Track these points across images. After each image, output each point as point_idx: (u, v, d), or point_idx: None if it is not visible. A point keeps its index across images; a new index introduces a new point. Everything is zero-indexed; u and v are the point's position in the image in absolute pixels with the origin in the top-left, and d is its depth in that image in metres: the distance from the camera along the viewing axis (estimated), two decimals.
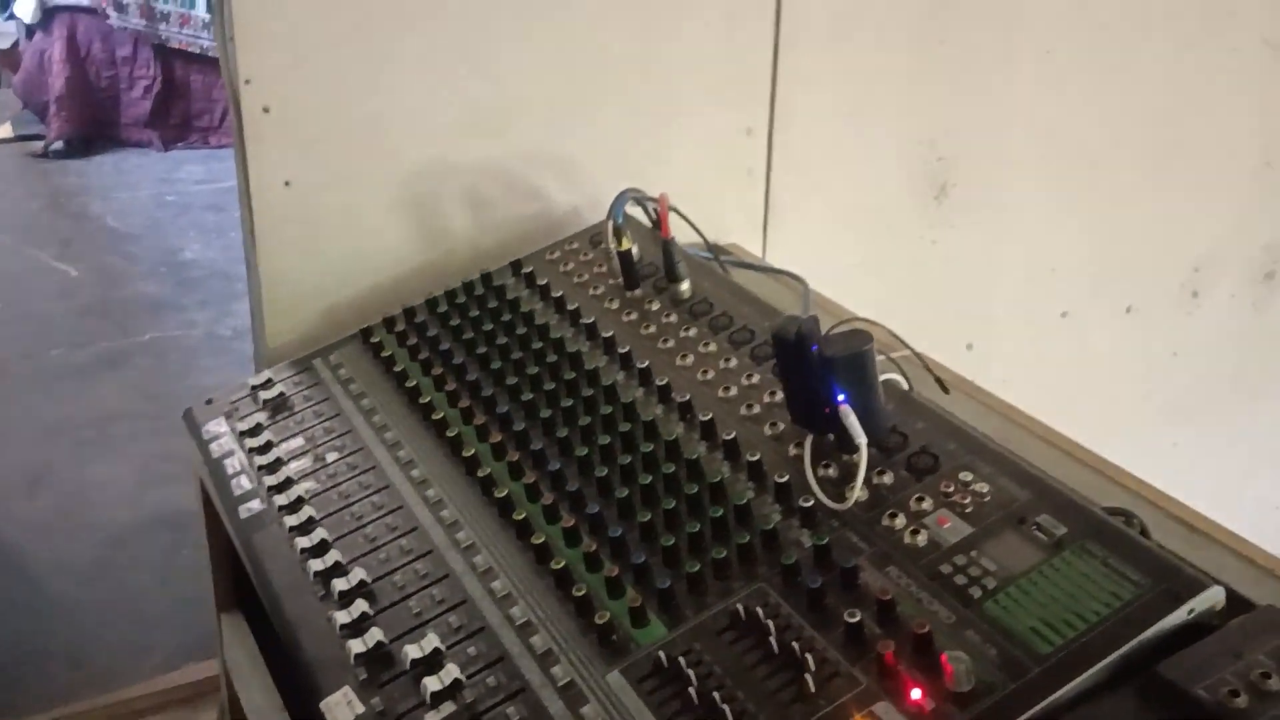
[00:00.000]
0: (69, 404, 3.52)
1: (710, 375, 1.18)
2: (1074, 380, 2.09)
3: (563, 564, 0.99)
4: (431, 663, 0.93)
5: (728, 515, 0.98)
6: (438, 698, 0.90)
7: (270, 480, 1.21)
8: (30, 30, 5.70)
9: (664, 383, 1.16)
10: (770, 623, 0.86)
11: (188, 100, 5.70)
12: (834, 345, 0.99)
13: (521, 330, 1.32)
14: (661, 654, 0.87)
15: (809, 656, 0.82)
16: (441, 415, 1.23)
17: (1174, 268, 2.17)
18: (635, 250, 1.35)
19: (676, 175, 1.48)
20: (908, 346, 1.15)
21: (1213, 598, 0.80)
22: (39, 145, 5.67)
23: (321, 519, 1.14)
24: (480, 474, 1.13)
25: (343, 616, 1.00)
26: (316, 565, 1.07)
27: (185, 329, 4.02)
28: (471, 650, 0.95)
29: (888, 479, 0.98)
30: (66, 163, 5.57)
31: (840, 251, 1.81)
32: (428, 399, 1.26)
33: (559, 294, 1.36)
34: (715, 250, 1.48)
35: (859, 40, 1.73)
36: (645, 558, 0.96)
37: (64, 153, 5.61)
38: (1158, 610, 0.79)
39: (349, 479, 1.20)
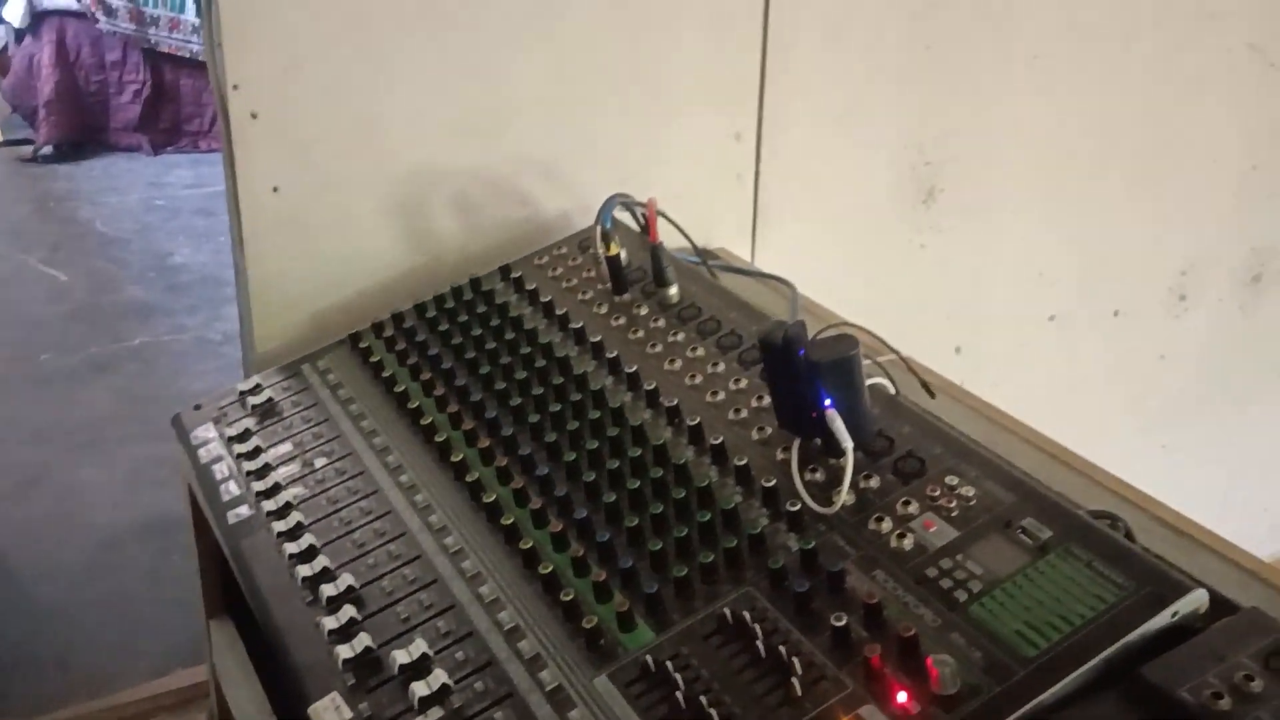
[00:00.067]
0: (59, 408, 3.51)
1: (698, 380, 1.18)
2: (1062, 383, 2.10)
3: (550, 568, 0.99)
4: (419, 668, 0.94)
5: (715, 519, 0.98)
6: (425, 703, 0.91)
7: (258, 486, 1.21)
8: (19, 34, 5.68)
9: (652, 387, 1.16)
10: (757, 627, 0.87)
11: (177, 104, 5.68)
12: (820, 350, 0.99)
13: (510, 335, 1.32)
14: (649, 658, 0.87)
15: (796, 660, 0.83)
16: (430, 420, 1.23)
17: (1161, 271, 2.18)
18: (624, 255, 1.36)
19: (665, 180, 1.49)
20: (893, 351, 1.16)
21: (1196, 600, 0.81)
22: (28, 150, 5.65)
23: (310, 524, 1.14)
24: (468, 479, 1.13)
25: (331, 622, 1.00)
26: (305, 571, 1.07)
27: (175, 333, 4.01)
28: (459, 655, 0.95)
29: (874, 483, 0.99)
30: (56, 167, 5.55)
31: (829, 256, 1.81)
32: (416, 404, 1.27)
33: (547, 299, 1.36)
34: (704, 255, 1.48)
35: (847, 45, 1.73)
36: (633, 562, 0.96)
37: (53, 157, 5.60)
38: (1142, 613, 0.80)
39: (337, 484, 1.20)
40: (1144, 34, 1.96)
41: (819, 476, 1.01)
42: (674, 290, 1.32)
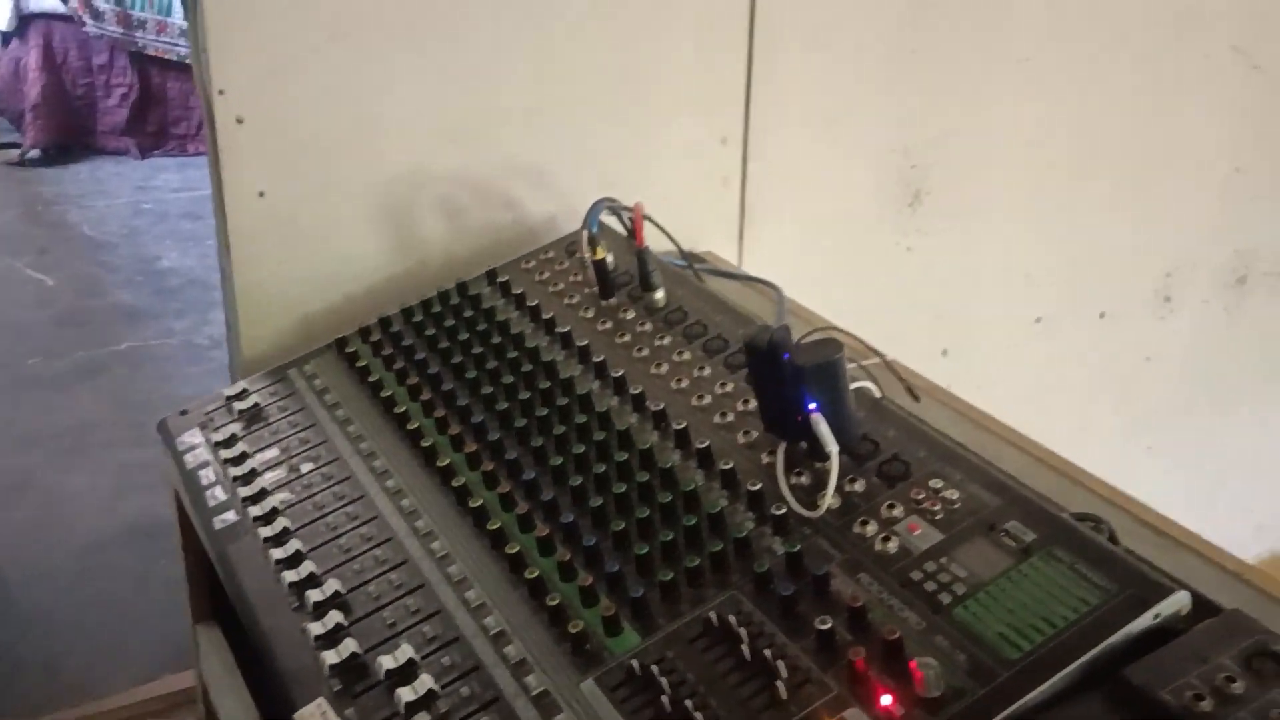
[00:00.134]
0: (46, 413, 3.50)
1: (684, 384, 1.18)
2: (1048, 385, 2.11)
3: (536, 573, 0.99)
4: (406, 673, 0.94)
5: (701, 523, 0.99)
6: (412, 708, 0.91)
7: (245, 491, 1.21)
8: (6, 38, 5.67)
9: (638, 391, 1.17)
10: (742, 630, 0.87)
11: (165, 107, 5.67)
12: (805, 354, 0.99)
13: (496, 339, 1.32)
14: (634, 662, 0.87)
15: (781, 663, 0.83)
16: (416, 425, 1.23)
17: (1147, 273, 2.19)
18: (610, 259, 1.36)
19: (652, 184, 1.49)
20: (878, 354, 1.16)
21: (1178, 602, 0.81)
22: (15, 153, 5.63)
23: (296, 530, 1.14)
24: (454, 483, 1.13)
25: (317, 628, 1.00)
26: (291, 576, 1.07)
27: (162, 338, 4.00)
28: (446, 660, 0.95)
29: (859, 486, 0.99)
30: (43, 171, 5.54)
31: (815, 259, 1.82)
32: (403, 409, 1.26)
33: (534, 303, 1.36)
34: (690, 259, 1.48)
35: (833, 49, 1.74)
36: (619, 566, 0.97)
37: (40, 161, 5.58)
38: (1124, 615, 0.80)
39: (324, 490, 1.20)
40: (1128, 37, 1.97)
41: (804, 480, 1.01)
42: (660, 294, 1.32)
